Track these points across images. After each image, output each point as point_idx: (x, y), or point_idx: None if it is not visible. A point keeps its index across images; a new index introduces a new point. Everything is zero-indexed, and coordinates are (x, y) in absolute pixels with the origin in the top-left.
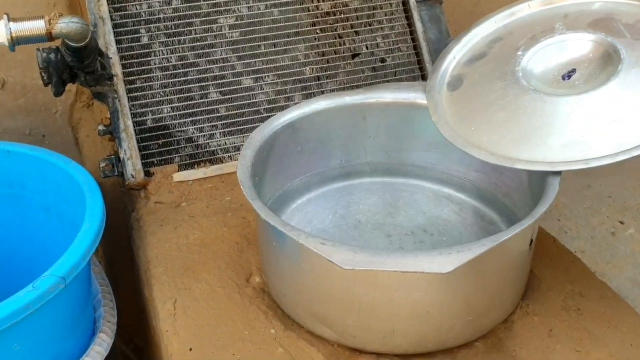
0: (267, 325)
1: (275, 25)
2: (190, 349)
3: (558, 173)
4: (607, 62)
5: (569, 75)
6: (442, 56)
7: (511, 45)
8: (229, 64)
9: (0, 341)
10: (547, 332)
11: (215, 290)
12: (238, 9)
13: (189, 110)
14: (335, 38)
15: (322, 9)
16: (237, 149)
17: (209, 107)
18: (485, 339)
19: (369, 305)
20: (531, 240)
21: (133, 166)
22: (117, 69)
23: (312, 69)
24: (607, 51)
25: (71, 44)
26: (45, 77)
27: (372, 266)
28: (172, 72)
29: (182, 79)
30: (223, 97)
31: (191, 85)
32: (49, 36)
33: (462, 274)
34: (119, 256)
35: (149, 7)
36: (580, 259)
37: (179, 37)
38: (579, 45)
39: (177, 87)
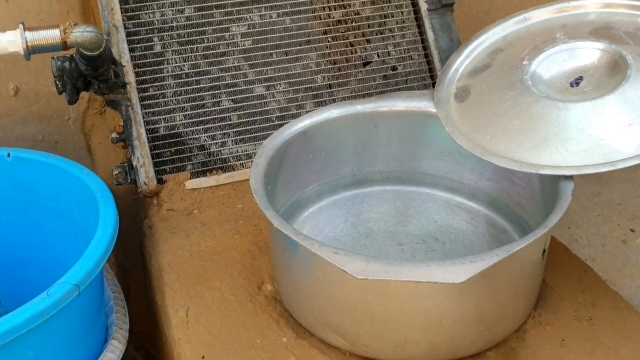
0: (279, 334)
1: (287, 33)
2: (203, 357)
3: (570, 180)
4: (615, 68)
5: (576, 82)
6: (445, 69)
7: (514, 55)
8: (241, 72)
9: (15, 348)
10: (559, 341)
11: (227, 298)
12: (250, 17)
13: (201, 118)
14: (347, 46)
15: (333, 17)
16: (249, 156)
17: (221, 115)
18: (497, 349)
19: (382, 315)
20: (544, 250)
21: (146, 174)
22: (130, 77)
23: (324, 77)
24: (613, 58)
25: (86, 52)
26: (59, 85)
27: (385, 276)
28: (185, 80)
29: (194, 87)
30: (235, 105)
31: (203, 93)
32: (64, 45)
33: (475, 284)
34: (131, 263)
35: (162, 16)
36: (591, 269)
37: (192, 46)
38: (584, 53)
39: (189, 95)
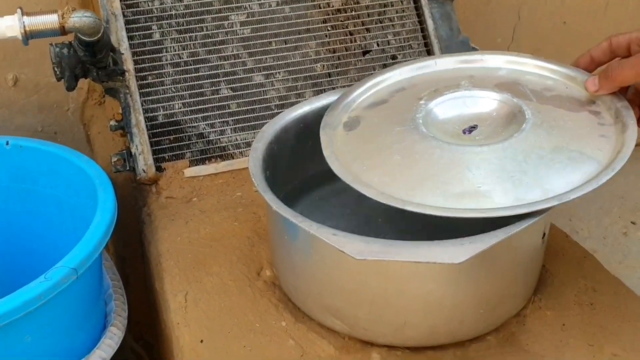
0: (277, 318)
1: (287, 22)
2: (202, 341)
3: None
4: (512, 120)
5: (470, 130)
6: (343, 96)
7: (414, 95)
8: (240, 60)
9: (12, 332)
10: (560, 326)
11: (226, 283)
12: (249, 5)
13: (200, 106)
14: (346, 35)
15: (333, 6)
16: (248, 144)
17: (220, 103)
18: (497, 333)
19: (381, 298)
20: (544, 234)
21: (144, 161)
22: (129, 65)
23: (323, 66)
24: (512, 111)
25: (84, 38)
26: (58, 72)
27: (384, 256)
28: (184, 68)
29: (193, 75)
30: (234, 93)
31: (202, 82)
32: (62, 30)
33: (474, 266)
34: (130, 253)
35: (160, 4)
36: (592, 255)
37: (191, 34)
38: (483, 102)
39: (188, 83)
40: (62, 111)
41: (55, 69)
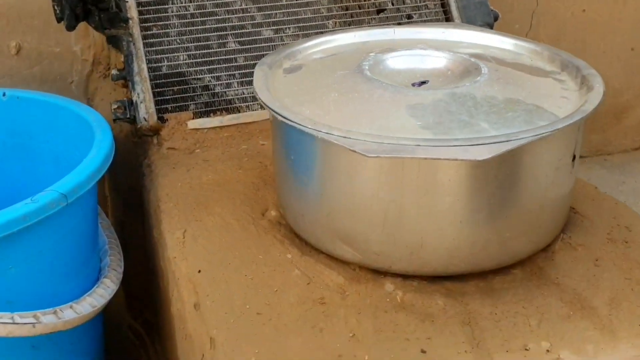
0: (283, 251)
1: None
2: (199, 271)
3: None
4: (466, 76)
5: (420, 84)
6: (287, 47)
7: (366, 50)
8: (248, 14)
9: None
10: (592, 261)
11: (229, 222)
12: None
13: (206, 59)
14: None
15: None
16: (255, 99)
17: (227, 57)
18: (523, 267)
19: (395, 214)
20: (574, 156)
21: (146, 109)
22: (133, 13)
23: (335, 23)
24: (467, 69)
25: None
26: (58, 11)
27: (399, 154)
28: (190, 20)
29: (199, 27)
30: (242, 47)
31: (209, 34)
32: None
33: (499, 176)
34: (130, 219)
35: None
36: (624, 203)
37: None
38: (438, 60)
39: (194, 36)
40: (66, 84)
41: (55, 7)
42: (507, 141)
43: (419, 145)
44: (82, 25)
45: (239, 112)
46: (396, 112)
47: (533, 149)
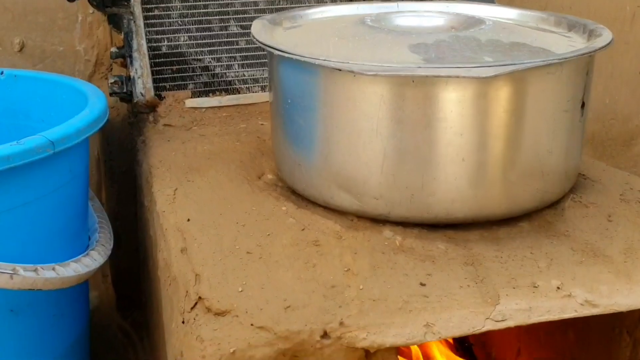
0: (277, 205)
1: None
2: (188, 220)
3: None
4: (470, 26)
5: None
6: (291, 10)
7: (372, 15)
8: (251, 0)
9: None
10: (605, 217)
11: (222, 181)
12: None
13: (207, 41)
14: None
15: None
16: (256, 81)
17: (228, 39)
18: (530, 220)
19: (395, 151)
20: (583, 103)
21: (143, 84)
22: None
23: None
24: (472, 22)
25: None
26: None
27: (398, 72)
28: (192, 3)
29: (202, 10)
30: (244, 31)
31: (211, 17)
32: None
33: (504, 110)
34: (124, 209)
35: None
36: (636, 175)
37: None
38: (442, 19)
39: (196, 18)
40: None
41: None
42: (512, 64)
43: (419, 67)
44: (86, 24)
45: (239, 93)
46: (398, 50)
47: (540, 83)
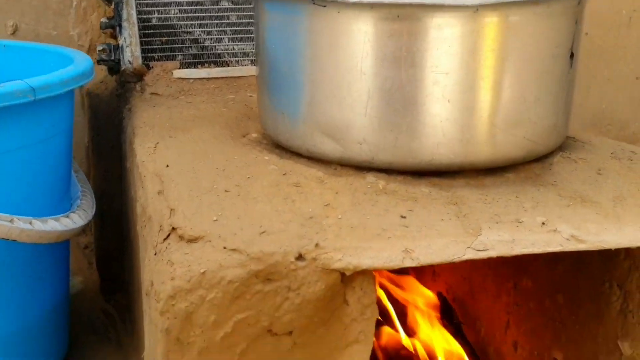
0: (260, 155)
1: None
2: (167, 166)
3: None
4: None
5: None
6: None
7: None
8: None
9: None
10: (595, 171)
11: (206, 138)
12: None
13: (197, 14)
14: None
15: None
16: (246, 54)
17: (219, 14)
18: (517, 172)
19: (379, 91)
20: (572, 54)
21: (131, 52)
22: None
23: None
24: None
25: None
26: None
27: None
28: None
29: None
30: (235, 6)
31: None
32: None
33: (490, 49)
34: (110, 189)
35: None
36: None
37: None
38: None
39: None
40: None
41: None
42: None
43: None
44: (80, 10)
45: (228, 65)
46: None
47: (528, 23)
